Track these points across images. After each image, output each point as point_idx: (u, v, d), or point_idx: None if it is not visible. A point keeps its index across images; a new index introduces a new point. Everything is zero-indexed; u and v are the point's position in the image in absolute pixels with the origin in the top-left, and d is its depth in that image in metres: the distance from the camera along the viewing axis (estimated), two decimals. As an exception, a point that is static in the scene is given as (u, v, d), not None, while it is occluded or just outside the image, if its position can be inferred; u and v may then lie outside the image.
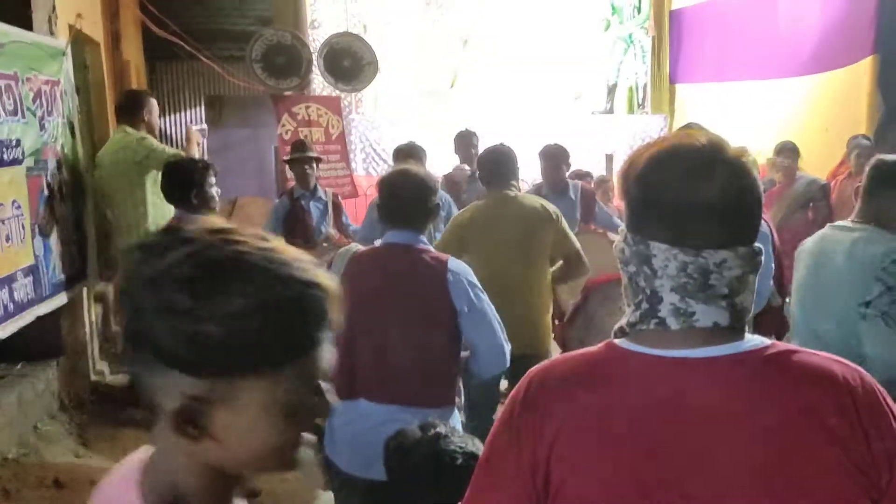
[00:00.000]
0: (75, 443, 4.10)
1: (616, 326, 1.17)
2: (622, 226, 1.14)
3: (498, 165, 3.57)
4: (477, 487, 1.15)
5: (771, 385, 1.02)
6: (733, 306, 1.05)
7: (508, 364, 2.53)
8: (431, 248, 2.54)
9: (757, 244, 1.08)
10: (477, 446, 1.85)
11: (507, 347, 2.51)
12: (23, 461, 3.71)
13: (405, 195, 2.48)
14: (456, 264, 2.48)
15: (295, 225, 5.08)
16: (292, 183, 5.62)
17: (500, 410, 3.51)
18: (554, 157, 4.91)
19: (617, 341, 1.12)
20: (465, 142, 5.63)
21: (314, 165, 5.24)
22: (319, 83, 7.89)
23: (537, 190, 5.04)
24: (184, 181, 3.23)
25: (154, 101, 4.80)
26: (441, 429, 1.88)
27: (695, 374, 1.04)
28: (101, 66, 5.97)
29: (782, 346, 1.07)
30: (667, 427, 1.02)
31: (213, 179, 3.27)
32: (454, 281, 2.42)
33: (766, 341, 1.07)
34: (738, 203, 1.06)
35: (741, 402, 1.02)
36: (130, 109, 4.71)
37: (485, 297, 2.49)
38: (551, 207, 3.52)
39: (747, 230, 1.07)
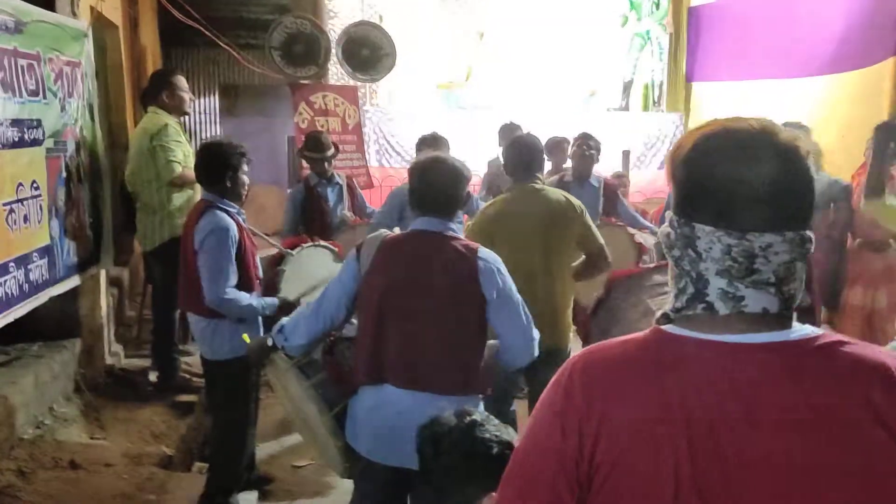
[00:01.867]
0: (91, 424, 4.10)
1: (659, 312, 1.15)
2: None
3: (523, 157, 3.52)
4: (514, 477, 1.12)
5: (822, 373, 1.00)
6: (782, 294, 1.03)
7: (536, 354, 2.50)
8: (462, 236, 2.52)
9: (807, 232, 1.05)
10: (512, 435, 1.83)
11: (536, 337, 2.49)
12: (38, 442, 3.71)
13: (439, 182, 2.46)
14: (486, 253, 2.46)
15: (313, 211, 5.10)
16: (307, 171, 5.64)
17: (516, 404, 3.49)
18: (584, 145, 4.97)
19: (664, 326, 1.09)
20: (508, 135, 5.64)
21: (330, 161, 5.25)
22: (335, 73, 7.87)
23: (561, 177, 5.04)
24: (221, 164, 3.19)
25: (178, 80, 4.75)
26: (476, 416, 1.86)
27: (747, 360, 1.02)
28: (119, 50, 5.96)
29: (834, 336, 1.05)
30: (718, 412, 1.00)
31: (246, 167, 3.25)
32: (484, 269, 2.40)
33: (818, 330, 1.05)
34: (788, 186, 1.03)
35: (793, 390, 1.00)
36: (153, 92, 4.71)
37: (514, 286, 2.47)
38: (576, 201, 3.48)
39: (796, 215, 1.04)
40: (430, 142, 4.64)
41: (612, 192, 5.02)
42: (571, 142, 5.16)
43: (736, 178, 1.02)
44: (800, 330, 1.05)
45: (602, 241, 3.46)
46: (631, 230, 4.81)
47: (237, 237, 3.14)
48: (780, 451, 0.98)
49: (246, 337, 2.83)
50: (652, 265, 3.28)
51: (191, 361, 4.86)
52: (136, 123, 5.90)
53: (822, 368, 1.01)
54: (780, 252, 1.02)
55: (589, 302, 4.47)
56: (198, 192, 4.06)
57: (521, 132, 5.56)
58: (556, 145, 6.06)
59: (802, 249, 1.03)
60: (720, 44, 9.92)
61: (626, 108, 10.05)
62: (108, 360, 4.88)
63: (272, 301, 3.26)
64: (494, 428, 1.84)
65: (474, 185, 5.04)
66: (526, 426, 1.16)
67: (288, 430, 4.22)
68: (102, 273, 4.86)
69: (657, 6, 9.91)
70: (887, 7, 6.82)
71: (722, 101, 9.21)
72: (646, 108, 10.24)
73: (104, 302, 4.91)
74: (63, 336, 4.40)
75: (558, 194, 3.50)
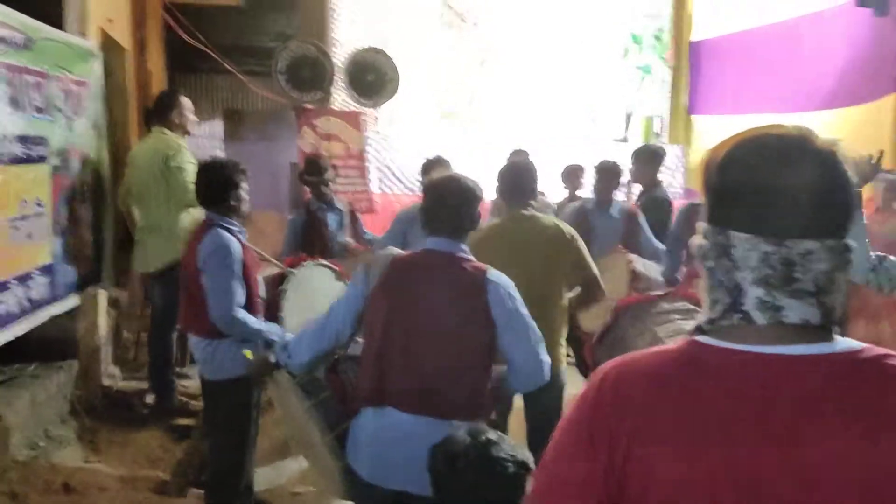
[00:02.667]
0: (85, 447, 4.03)
1: (692, 324, 1.12)
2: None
3: (516, 181, 3.45)
4: (540, 497, 1.08)
5: (866, 387, 0.97)
6: (823, 304, 0.99)
7: (547, 378, 2.46)
8: (472, 258, 2.48)
9: (849, 242, 1.01)
10: (527, 455, 1.79)
11: (547, 361, 2.45)
12: (32, 464, 3.64)
13: (453, 202, 2.43)
14: (496, 275, 2.42)
15: (313, 236, 5.07)
16: (309, 195, 5.62)
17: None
18: (608, 172, 4.93)
19: (699, 337, 1.06)
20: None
21: (330, 184, 5.24)
22: (339, 98, 7.90)
23: (583, 203, 5.01)
24: (222, 182, 3.17)
25: (186, 101, 4.77)
26: (492, 435, 1.81)
27: (787, 373, 0.98)
28: (126, 72, 5.99)
29: (877, 349, 1.02)
30: (756, 426, 0.96)
31: (246, 185, 3.23)
32: (493, 291, 2.36)
33: (861, 344, 1.02)
34: (827, 192, 1.00)
35: (835, 404, 0.96)
36: (162, 111, 4.70)
37: (524, 309, 2.43)
38: (567, 229, 3.40)
39: (836, 222, 1.00)
40: (436, 165, 4.62)
41: (634, 222, 4.90)
42: (595, 170, 5.11)
43: (773, 184, 0.99)
44: (843, 343, 1.01)
45: (596, 270, 3.40)
46: (630, 256, 4.72)
47: (240, 256, 3.11)
48: (818, 465, 0.94)
49: (248, 353, 2.78)
50: (659, 292, 3.23)
51: (188, 384, 4.80)
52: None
53: (867, 380, 0.97)
54: (820, 260, 0.98)
55: (595, 329, 4.46)
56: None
57: (527, 159, 5.57)
58: (572, 172, 6.07)
59: (843, 259, 1.00)
60: (721, 78, 10.00)
61: (627, 140, 10.10)
62: (105, 382, 4.81)
63: (278, 328, 3.22)
64: (510, 447, 1.79)
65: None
66: (550, 445, 1.12)
67: (287, 454, 4.15)
68: (102, 293, 4.81)
69: (659, 40, 10.01)
70: (888, 43, 6.88)
71: (723, 133, 9.18)
72: (647, 139, 10.29)
73: (103, 323, 4.86)
74: (60, 356, 4.35)
75: (549, 221, 3.43)
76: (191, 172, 4.39)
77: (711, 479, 0.96)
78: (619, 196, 5.31)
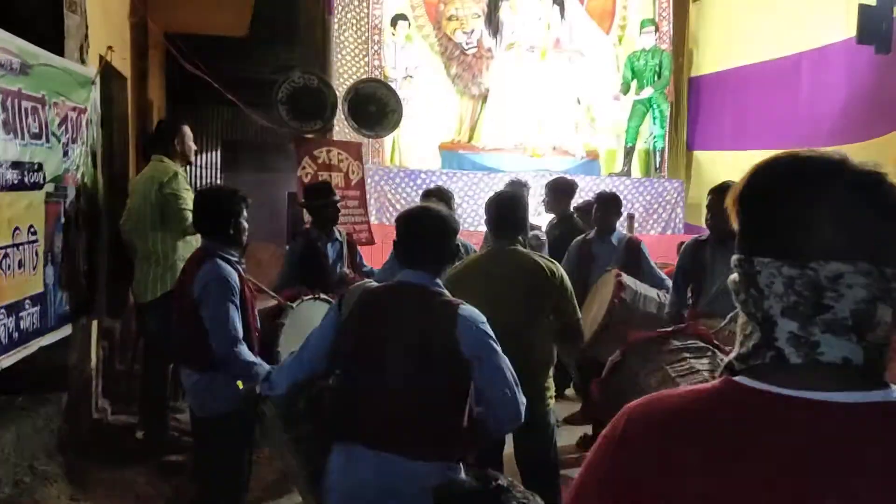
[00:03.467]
0: (72, 484, 3.88)
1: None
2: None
3: (502, 213, 3.35)
4: None
5: None
6: (865, 341, 0.89)
7: (522, 419, 2.34)
8: (446, 292, 2.37)
9: (892, 269, 0.89)
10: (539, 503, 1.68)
11: (523, 401, 2.32)
12: (14, 502, 3.49)
13: (424, 234, 2.38)
14: (468, 310, 2.31)
15: (311, 266, 4.97)
16: (308, 226, 5.56)
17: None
18: (606, 203, 5.06)
19: (737, 378, 0.96)
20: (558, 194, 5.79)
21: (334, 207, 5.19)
22: (340, 130, 7.88)
23: (586, 234, 5.05)
24: (222, 210, 3.10)
25: (187, 129, 4.72)
26: (502, 481, 1.70)
27: (832, 422, 0.88)
28: (126, 101, 5.94)
29: None
30: (796, 480, 0.87)
31: (246, 212, 3.16)
32: (463, 325, 2.26)
33: None
34: (856, 208, 0.90)
35: (890, 460, 0.86)
36: (163, 139, 4.65)
37: (498, 347, 2.31)
38: (551, 267, 3.28)
39: (870, 243, 0.90)
40: (436, 195, 4.56)
41: (636, 250, 4.95)
42: (595, 200, 5.20)
43: (798, 203, 0.91)
44: None
45: (578, 314, 3.30)
46: (618, 271, 4.70)
47: (238, 287, 3.02)
48: None
49: (240, 383, 2.73)
50: (669, 329, 3.14)
51: (181, 419, 4.68)
52: (138, 173, 5.84)
53: None
54: (854, 286, 0.88)
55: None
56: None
57: (525, 190, 5.59)
58: (562, 189, 6.07)
59: (885, 286, 0.89)
60: (721, 113, 10.03)
61: (628, 174, 10.08)
62: (95, 415, 4.68)
63: (265, 364, 3.10)
64: (521, 495, 1.68)
65: (476, 244, 4.97)
66: (571, 488, 1.02)
67: (279, 493, 4.01)
68: (94, 324, 4.70)
69: (658, 75, 10.04)
70: (890, 79, 6.89)
71: (723, 169, 9.24)
72: (646, 173, 10.27)
73: (94, 354, 4.75)
74: (49, 388, 4.21)
75: (530, 257, 3.30)
76: (187, 199, 4.32)
77: None
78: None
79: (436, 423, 2.25)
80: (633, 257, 4.84)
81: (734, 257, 1.00)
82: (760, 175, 0.97)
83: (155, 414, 4.54)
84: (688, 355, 2.88)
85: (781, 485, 0.87)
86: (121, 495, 3.93)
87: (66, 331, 4.17)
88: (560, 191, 5.79)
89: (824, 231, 0.89)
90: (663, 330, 3.18)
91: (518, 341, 3.14)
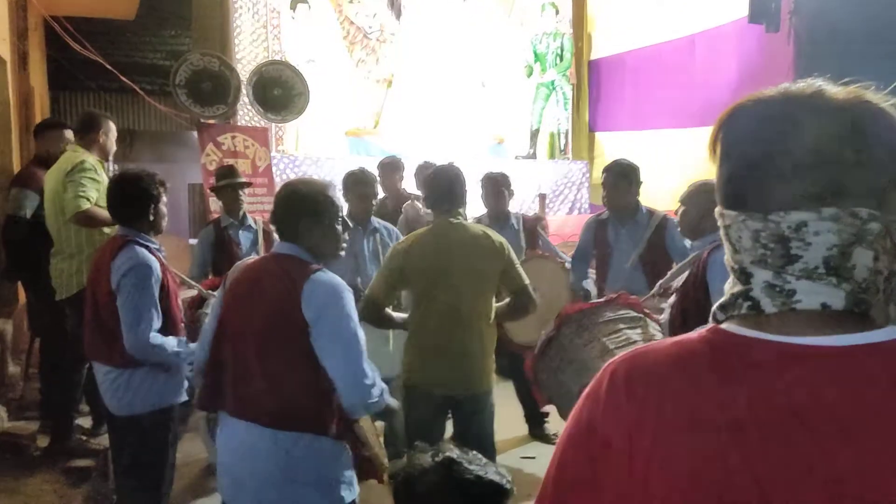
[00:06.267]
0: (-31, 499, 3.57)
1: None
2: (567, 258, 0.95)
3: (443, 188, 3.31)
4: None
5: None
6: (846, 285, 0.85)
7: (373, 399, 2.21)
8: (310, 262, 2.27)
9: (865, 209, 0.84)
10: (500, 474, 1.63)
11: (369, 377, 2.20)
12: None
13: (282, 209, 2.39)
14: (325, 276, 2.22)
15: (223, 255, 4.79)
16: (216, 214, 5.40)
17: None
18: (496, 184, 4.89)
19: (724, 325, 0.93)
20: (388, 171, 5.63)
21: (243, 192, 5.01)
22: (244, 113, 7.59)
23: (478, 220, 4.95)
24: (142, 195, 2.88)
25: (112, 125, 4.41)
26: (452, 453, 1.64)
27: (821, 366, 0.85)
28: (6, 87, 5.50)
29: None
30: (787, 425, 0.84)
31: (164, 197, 2.96)
32: (308, 290, 2.17)
33: None
34: (831, 153, 0.84)
35: (880, 401, 0.83)
36: (85, 129, 4.31)
37: (349, 318, 2.20)
38: (498, 237, 3.30)
39: (840, 186, 0.84)
40: (360, 177, 4.40)
41: (532, 229, 5.01)
42: (482, 184, 5.02)
43: (751, 148, 0.88)
44: (887, 330, 0.86)
45: (527, 280, 3.30)
46: (560, 258, 4.80)
47: (160, 276, 2.82)
48: (856, 468, 0.81)
49: None
50: (601, 300, 3.15)
51: (82, 421, 4.38)
52: (21, 164, 5.42)
53: None
54: (822, 232, 0.84)
55: (522, 340, 4.37)
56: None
57: (402, 167, 5.57)
58: (495, 182, 6.01)
59: (856, 228, 0.84)
60: (620, 95, 10.30)
61: (534, 157, 10.21)
62: (-10, 425, 4.32)
63: (192, 349, 2.94)
64: (477, 467, 1.62)
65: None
66: (552, 457, 0.97)
67: (203, 494, 3.83)
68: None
69: (560, 58, 10.20)
70: (781, 55, 7.22)
71: (624, 150, 9.49)
72: (552, 156, 10.43)
73: (-15, 359, 4.38)
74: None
75: (479, 229, 3.31)
76: (88, 188, 4.02)
77: (740, 485, 0.82)
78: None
79: (282, 390, 2.20)
80: (532, 236, 4.95)
81: (716, 210, 0.96)
82: (722, 124, 0.93)
83: (60, 415, 4.22)
84: (622, 326, 2.90)
85: (766, 427, 0.83)
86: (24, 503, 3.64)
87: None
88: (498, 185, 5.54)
89: (783, 178, 0.86)
90: (595, 301, 3.20)
91: (468, 315, 3.14)
